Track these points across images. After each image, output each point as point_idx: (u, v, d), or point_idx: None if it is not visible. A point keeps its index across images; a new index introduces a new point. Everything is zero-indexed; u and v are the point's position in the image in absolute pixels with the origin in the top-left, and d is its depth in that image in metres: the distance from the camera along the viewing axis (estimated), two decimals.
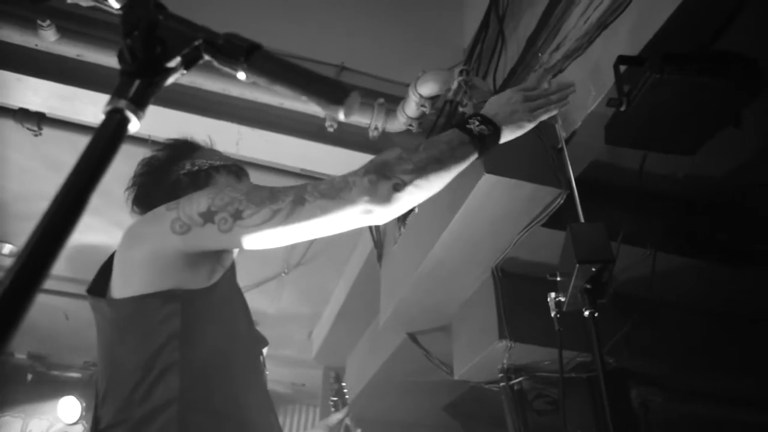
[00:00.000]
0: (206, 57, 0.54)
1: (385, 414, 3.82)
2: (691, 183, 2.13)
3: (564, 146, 1.68)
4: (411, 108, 2.34)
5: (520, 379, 2.05)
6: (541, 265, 2.01)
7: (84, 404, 4.68)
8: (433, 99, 2.30)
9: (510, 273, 2.13)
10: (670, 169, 2.09)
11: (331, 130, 2.44)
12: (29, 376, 4.92)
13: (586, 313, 1.15)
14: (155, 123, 2.44)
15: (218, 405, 1.05)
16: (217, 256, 1.11)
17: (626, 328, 1.99)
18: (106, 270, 1.14)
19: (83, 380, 5.00)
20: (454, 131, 1.09)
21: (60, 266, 4.25)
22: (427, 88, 2.23)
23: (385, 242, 2.74)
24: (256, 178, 2.83)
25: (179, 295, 1.04)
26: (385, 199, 0.96)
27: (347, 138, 2.50)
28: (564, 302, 1.28)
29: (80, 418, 4.72)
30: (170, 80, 0.53)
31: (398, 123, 2.45)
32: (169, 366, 1.01)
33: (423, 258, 2.11)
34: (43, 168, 2.91)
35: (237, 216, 0.98)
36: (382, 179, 0.96)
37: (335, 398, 1.73)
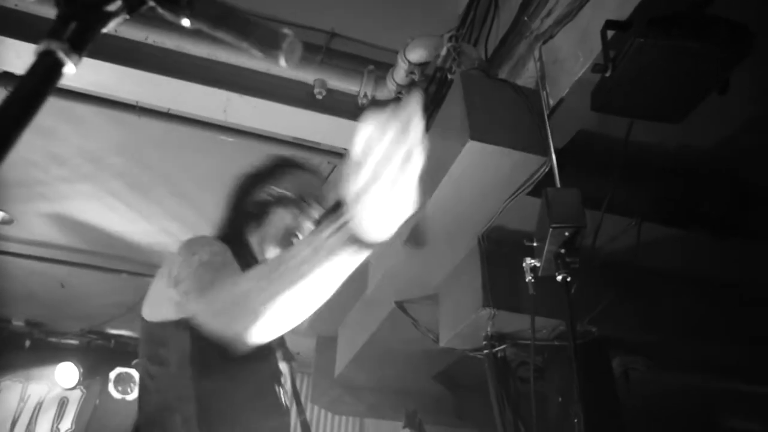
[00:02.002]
0: (150, 3, 0.53)
1: (377, 381, 3.87)
2: (679, 152, 2.11)
3: (545, 113, 1.66)
4: (400, 75, 2.31)
5: (504, 346, 2.07)
6: (527, 234, 2.01)
7: (81, 370, 4.74)
8: (422, 66, 2.27)
9: (496, 241, 2.13)
10: (659, 138, 2.07)
11: (320, 97, 2.42)
12: (27, 342, 4.97)
13: (559, 277, 1.16)
14: (142, 89, 2.41)
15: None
16: None
17: (610, 296, 2.00)
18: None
19: (81, 347, 5.07)
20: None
21: (54, 234, 4.22)
22: (416, 54, 2.20)
23: None
24: (244, 146, 2.79)
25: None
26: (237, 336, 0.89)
27: (337, 105, 2.47)
28: (539, 267, 1.29)
29: (78, 384, 4.79)
30: (111, 25, 0.52)
31: (387, 90, 2.42)
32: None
33: (409, 226, 2.11)
34: (29, 133, 2.88)
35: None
36: (229, 318, 0.90)
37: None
